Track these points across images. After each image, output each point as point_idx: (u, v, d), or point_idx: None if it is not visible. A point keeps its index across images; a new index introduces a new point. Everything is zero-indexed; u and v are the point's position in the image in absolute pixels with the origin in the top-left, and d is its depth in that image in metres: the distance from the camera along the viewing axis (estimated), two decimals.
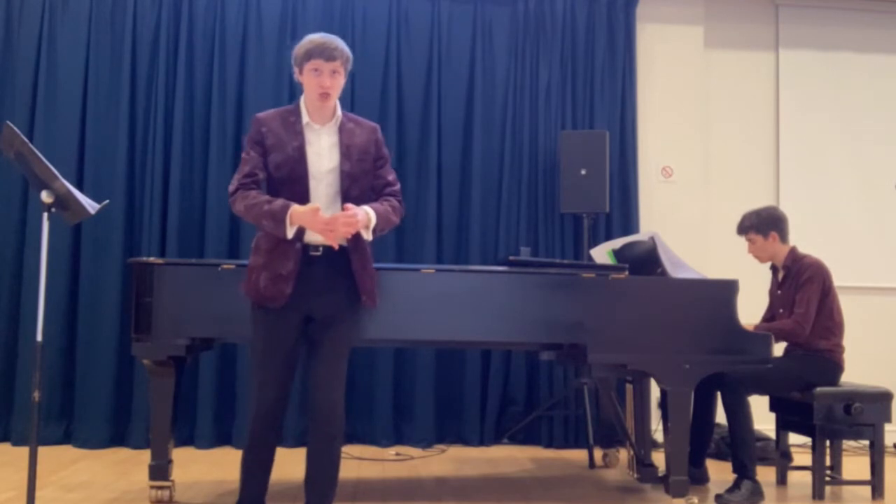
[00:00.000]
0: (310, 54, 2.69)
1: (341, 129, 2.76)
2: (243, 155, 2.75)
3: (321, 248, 2.69)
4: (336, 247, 2.65)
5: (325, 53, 2.68)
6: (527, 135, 5.05)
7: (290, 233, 2.61)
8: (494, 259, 4.89)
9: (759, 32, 5.45)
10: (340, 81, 2.74)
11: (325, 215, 2.61)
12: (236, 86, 4.84)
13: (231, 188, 2.73)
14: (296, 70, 2.76)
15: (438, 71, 5.03)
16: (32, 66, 4.72)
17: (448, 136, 5.03)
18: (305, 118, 2.74)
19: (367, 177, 2.78)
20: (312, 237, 2.67)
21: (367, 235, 2.71)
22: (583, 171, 4.77)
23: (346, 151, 2.73)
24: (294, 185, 2.68)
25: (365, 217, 2.65)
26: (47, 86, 4.70)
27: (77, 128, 4.70)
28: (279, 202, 2.62)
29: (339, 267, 2.72)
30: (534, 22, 5.11)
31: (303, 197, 2.67)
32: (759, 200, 4.83)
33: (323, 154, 2.72)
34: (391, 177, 2.88)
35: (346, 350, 2.76)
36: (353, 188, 2.73)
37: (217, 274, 3.21)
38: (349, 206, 2.63)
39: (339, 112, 2.78)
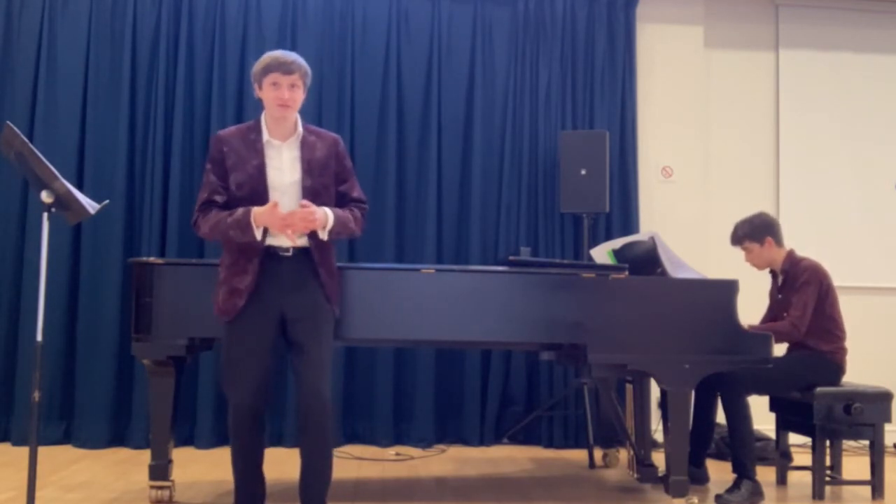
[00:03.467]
0: (268, 69, 2.77)
1: (303, 144, 2.82)
2: (204, 177, 2.82)
3: (290, 249, 2.75)
4: (294, 242, 2.72)
5: (283, 67, 2.75)
6: (527, 135, 5.05)
7: (259, 234, 2.69)
8: (494, 259, 4.89)
9: (759, 32, 5.45)
10: (299, 95, 2.80)
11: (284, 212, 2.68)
12: (236, 86, 4.84)
13: (193, 216, 2.82)
14: (256, 87, 2.84)
15: (438, 71, 5.02)
16: (32, 66, 4.72)
17: (448, 135, 5.02)
18: (266, 135, 2.80)
19: (328, 191, 2.84)
20: (282, 241, 2.74)
21: (323, 235, 2.76)
22: (583, 171, 4.77)
23: (307, 167, 2.80)
24: (254, 200, 2.73)
25: (323, 216, 2.73)
26: (47, 86, 4.70)
27: (77, 128, 4.70)
28: (239, 211, 2.71)
29: (308, 268, 2.78)
30: (534, 22, 5.11)
31: None
32: (758, 200, 4.85)
33: (284, 169, 2.79)
34: (356, 193, 2.94)
35: (327, 348, 2.79)
36: (314, 202, 2.76)
37: (217, 274, 3.20)
38: (305, 202, 2.70)
39: (299, 128, 2.84)
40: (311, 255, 2.77)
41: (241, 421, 2.75)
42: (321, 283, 2.79)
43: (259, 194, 2.74)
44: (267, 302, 2.73)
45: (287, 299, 2.74)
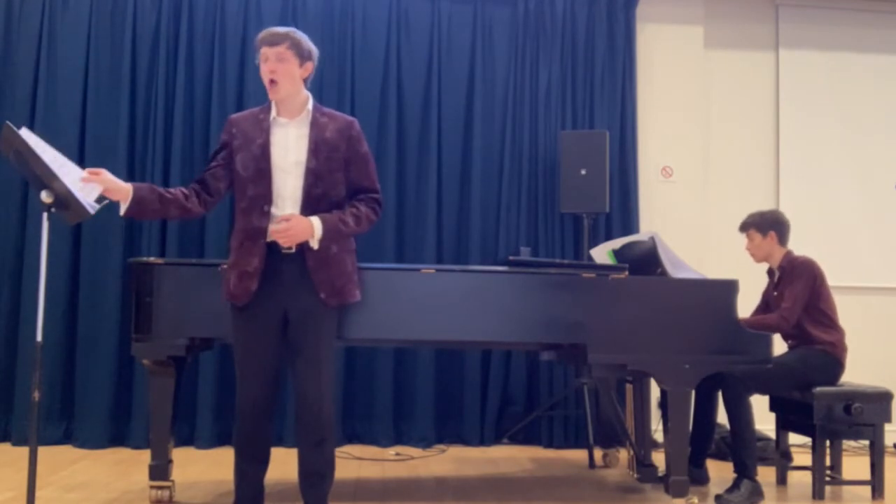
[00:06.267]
0: (257, 47, 2.72)
1: (313, 123, 2.74)
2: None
3: (294, 247, 2.70)
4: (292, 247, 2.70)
5: (268, 39, 2.70)
6: (527, 135, 5.05)
7: (123, 209, 2.68)
8: (494, 259, 4.89)
9: (759, 32, 5.45)
10: (290, 67, 2.69)
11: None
12: (236, 85, 4.84)
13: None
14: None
15: (438, 71, 5.02)
16: (32, 66, 4.72)
17: (448, 135, 5.02)
18: (273, 113, 2.75)
19: (333, 176, 2.74)
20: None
21: (314, 244, 2.69)
22: (583, 171, 4.76)
23: (314, 147, 2.71)
24: (259, 180, 2.69)
25: (307, 227, 2.64)
26: (47, 86, 4.70)
27: (77, 127, 4.70)
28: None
29: (308, 267, 2.72)
30: (534, 22, 5.11)
31: (268, 191, 2.69)
32: (758, 200, 4.84)
33: (289, 147, 2.72)
34: (368, 182, 2.84)
35: (325, 351, 2.73)
36: (318, 185, 2.71)
37: (217, 274, 3.20)
38: (286, 215, 2.65)
39: (309, 105, 2.76)
40: (311, 253, 2.71)
41: (247, 420, 2.72)
42: (315, 284, 2.70)
43: (263, 173, 2.68)
44: (271, 299, 2.69)
45: (288, 299, 2.70)
